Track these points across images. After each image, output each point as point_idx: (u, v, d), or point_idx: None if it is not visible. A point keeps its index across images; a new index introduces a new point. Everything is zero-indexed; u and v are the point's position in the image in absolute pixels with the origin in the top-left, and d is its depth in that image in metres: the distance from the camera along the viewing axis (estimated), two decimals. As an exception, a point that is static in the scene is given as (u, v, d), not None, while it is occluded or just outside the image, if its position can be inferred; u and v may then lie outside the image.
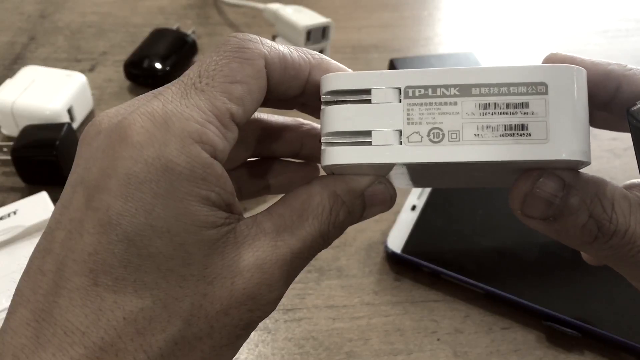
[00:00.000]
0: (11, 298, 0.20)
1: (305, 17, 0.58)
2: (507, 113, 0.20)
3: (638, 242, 0.21)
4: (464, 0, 0.76)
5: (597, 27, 0.71)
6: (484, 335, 0.38)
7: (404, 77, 0.21)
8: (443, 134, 0.20)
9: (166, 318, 0.19)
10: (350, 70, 0.23)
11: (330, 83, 0.21)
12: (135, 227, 0.19)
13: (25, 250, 0.39)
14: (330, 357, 0.37)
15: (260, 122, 0.26)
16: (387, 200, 0.23)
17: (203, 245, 0.19)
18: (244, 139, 0.25)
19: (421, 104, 0.20)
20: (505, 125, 0.20)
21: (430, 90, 0.21)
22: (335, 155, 0.21)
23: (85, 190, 0.19)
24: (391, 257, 0.42)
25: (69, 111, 0.51)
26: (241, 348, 0.21)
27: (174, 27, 0.63)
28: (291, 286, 0.22)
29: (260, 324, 0.21)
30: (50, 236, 0.20)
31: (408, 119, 0.21)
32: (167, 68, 0.57)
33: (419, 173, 0.24)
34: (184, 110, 0.19)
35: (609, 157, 0.52)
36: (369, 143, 0.21)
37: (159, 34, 0.60)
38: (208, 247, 0.20)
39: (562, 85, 0.20)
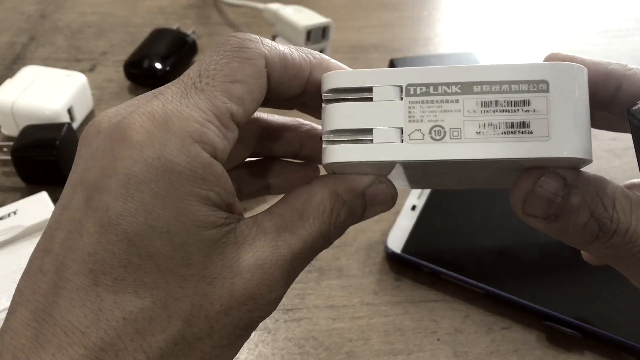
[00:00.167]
0: (11, 298, 0.20)
1: (305, 17, 0.58)
2: (508, 111, 0.20)
3: (639, 241, 0.21)
4: (464, 0, 0.76)
5: (597, 27, 0.71)
6: (484, 335, 0.38)
7: (405, 74, 0.21)
8: (445, 132, 0.20)
9: (166, 318, 0.19)
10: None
11: (332, 81, 0.21)
12: (135, 227, 0.19)
13: (25, 250, 0.39)
14: (330, 357, 0.37)
15: (260, 122, 0.26)
16: (388, 200, 0.23)
17: (203, 245, 0.19)
18: (243, 138, 0.25)
19: (423, 102, 0.20)
20: (506, 123, 0.20)
21: (431, 88, 0.20)
22: (337, 153, 0.21)
23: (85, 191, 0.19)
24: (391, 257, 0.42)
25: (69, 111, 0.51)
26: (241, 348, 0.21)
27: (174, 27, 0.63)
28: (291, 286, 0.22)
29: (260, 324, 0.21)
30: (50, 236, 0.20)
31: (409, 116, 0.21)
32: (167, 68, 0.57)
33: (420, 172, 0.24)
34: (184, 110, 0.19)
35: (609, 157, 0.52)
36: (371, 141, 0.21)
37: (159, 34, 0.60)
38: (208, 248, 0.20)
39: (563, 83, 0.20)
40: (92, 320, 0.18)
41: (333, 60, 0.23)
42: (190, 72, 0.21)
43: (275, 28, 0.61)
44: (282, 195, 0.23)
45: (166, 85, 0.21)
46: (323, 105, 0.22)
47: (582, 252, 0.28)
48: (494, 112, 0.20)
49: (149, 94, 0.21)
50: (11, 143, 0.47)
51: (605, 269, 0.26)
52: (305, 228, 0.21)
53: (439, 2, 0.75)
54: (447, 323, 0.39)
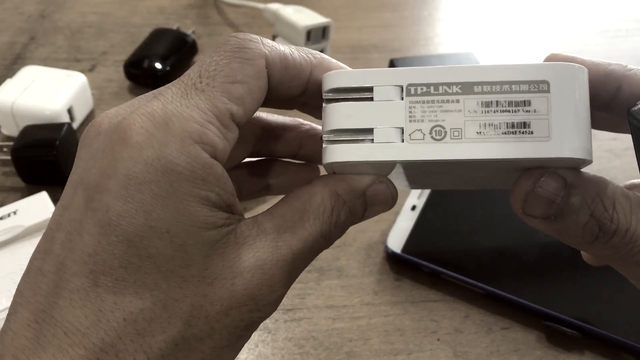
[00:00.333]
0: (11, 298, 0.20)
1: (305, 17, 0.58)
2: (509, 111, 0.20)
3: (639, 242, 0.21)
4: (464, 0, 0.76)
5: (597, 27, 0.71)
6: (484, 335, 0.38)
7: (406, 74, 0.21)
8: (445, 132, 0.20)
9: (166, 319, 0.19)
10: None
11: (332, 81, 0.21)
12: (135, 228, 0.19)
13: (25, 250, 0.39)
14: (330, 357, 0.37)
15: (260, 121, 0.26)
16: (389, 200, 0.23)
17: (203, 246, 0.19)
18: (243, 138, 0.25)
19: (423, 102, 0.20)
20: (507, 123, 0.20)
21: (432, 88, 0.20)
22: (337, 153, 0.21)
23: (85, 191, 0.19)
24: (391, 257, 0.42)
25: (69, 111, 0.51)
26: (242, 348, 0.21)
27: (174, 27, 0.63)
28: (291, 286, 0.22)
29: (261, 324, 0.21)
30: (51, 237, 0.20)
31: (410, 116, 0.21)
32: (167, 68, 0.57)
33: (420, 172, 0.24)
34: (184, 110, 0.19)
35: (609, 157, 0.52)
36: (371, 141, 0.21)
37: (159, 34, 0.60)
38: (208, 248, 0.20)
39: (563, 83, 0.20)
40: (93, 321, 0.18)
41: (333, 60, 0.23)
42: (191, 73, 0.21)
43: (275, 28, 0.61)
44: (282, 195, 0.23)
45: (166, 85, 0.21)
46: (323, 105, 0.22)
47: (582, 252, 0.28)
48: (494, 112, 0.20)
49: (149, 94, 0.21)
50: (11, 143, 0.47)
51: (605, 269, 0.26)
52: (305, 228, 0.21)
53: (439, 2, 0.75)
54: (447, 323, 0.39)
